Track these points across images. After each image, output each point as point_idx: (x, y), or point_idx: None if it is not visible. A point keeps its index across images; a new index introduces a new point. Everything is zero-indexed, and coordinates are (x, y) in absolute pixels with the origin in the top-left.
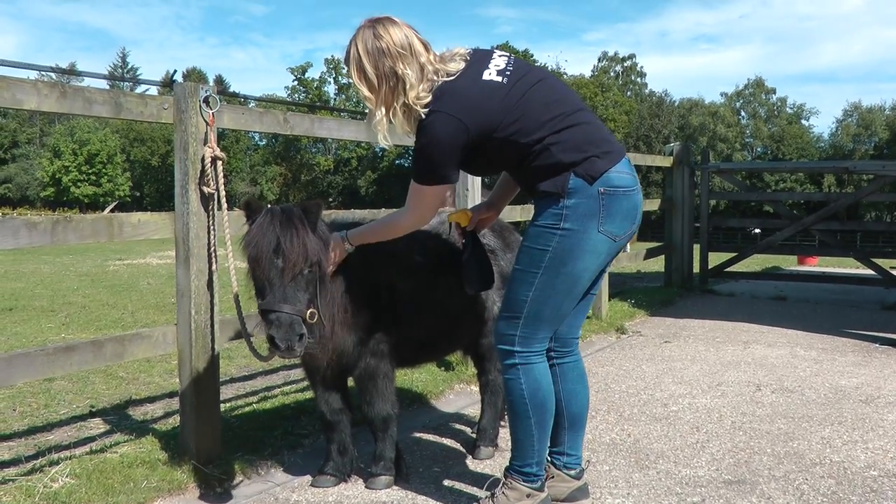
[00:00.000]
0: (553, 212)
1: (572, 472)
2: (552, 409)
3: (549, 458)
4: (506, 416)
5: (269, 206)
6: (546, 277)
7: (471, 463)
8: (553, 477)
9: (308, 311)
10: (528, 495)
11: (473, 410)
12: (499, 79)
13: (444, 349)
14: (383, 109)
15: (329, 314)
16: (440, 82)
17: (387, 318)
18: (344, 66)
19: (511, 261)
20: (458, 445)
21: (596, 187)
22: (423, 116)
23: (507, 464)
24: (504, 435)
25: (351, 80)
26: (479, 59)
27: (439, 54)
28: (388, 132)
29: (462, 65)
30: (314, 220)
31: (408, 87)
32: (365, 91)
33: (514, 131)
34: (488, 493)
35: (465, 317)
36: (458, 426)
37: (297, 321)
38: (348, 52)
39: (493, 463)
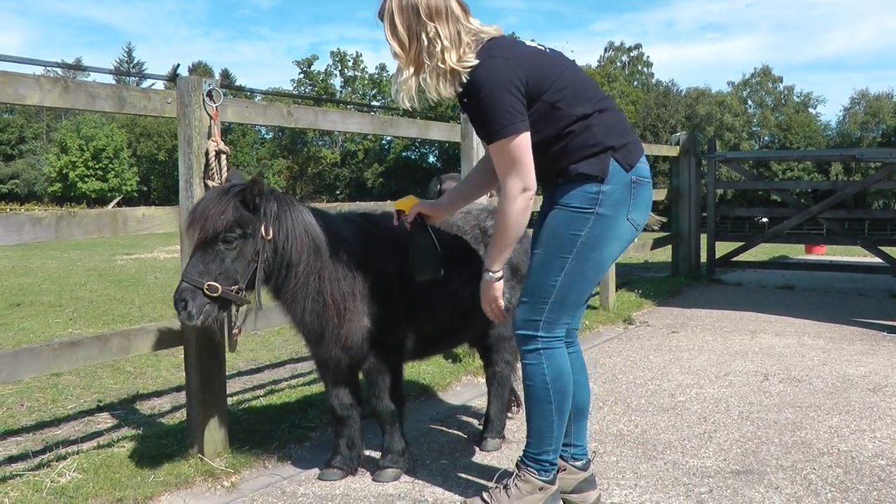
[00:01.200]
0: (589, 195)
1: (579, 464)
2: (571, 396)
3: None
4: (512, 408)
5: (234, 180)
6: (575, 263)
7: (478, 455)
8: (564, 469)
9: (206, 284)
10: (541, 488)
11: (480, 402)
12: (540, 47)
13: (455, 341)
14: (412, 69)
15: (338, 304)
16: (486, 40)
17: (398, 310)
18: (378, 20)
19: (519, 252)
20: (465, 437)
21: (630, 175)
22: (473, 70)
23: (520, 455)
24: (510, 426)
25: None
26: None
27: (479, 24)
28: (416, 94)
29: (500, 32)
30: (251, 194)
31: (441, 48)
32: (396, 47)
33: (562, 98)
34: (499, 484)
35: (476, 308)
36: (465, 418)
37: (188, 289)
38: (382, 6)
39: (500, 454)
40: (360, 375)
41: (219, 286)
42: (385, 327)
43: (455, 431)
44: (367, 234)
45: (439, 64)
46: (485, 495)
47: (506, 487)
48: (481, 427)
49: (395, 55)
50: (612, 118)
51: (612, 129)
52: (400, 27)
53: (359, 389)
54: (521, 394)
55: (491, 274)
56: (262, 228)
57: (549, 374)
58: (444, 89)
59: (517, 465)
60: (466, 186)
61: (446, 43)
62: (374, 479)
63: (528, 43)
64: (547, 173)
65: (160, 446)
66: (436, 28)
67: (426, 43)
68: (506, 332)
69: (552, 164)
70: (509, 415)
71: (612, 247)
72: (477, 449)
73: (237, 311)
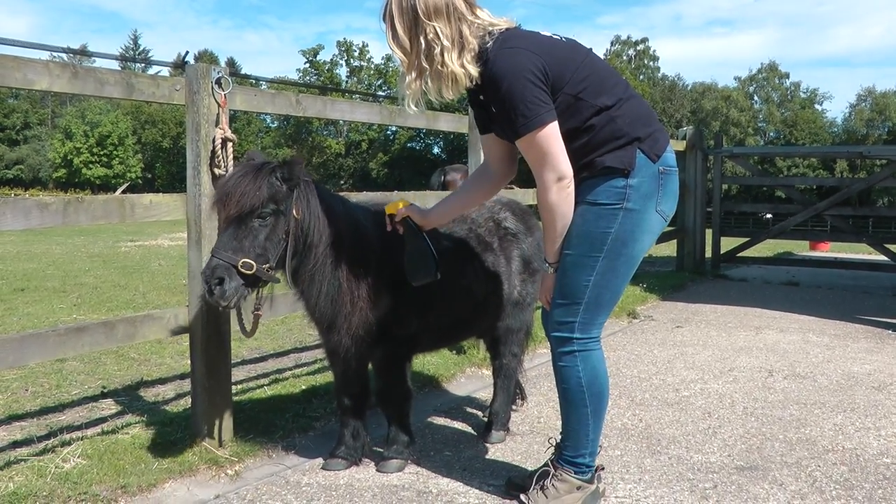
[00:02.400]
0: (616, 190)
1: None
2: (608, 398)
3: None
4: (517, 402)
5: (256, 159)
6: (608, 261)
7: (482, 447)
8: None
9: (241, 261)
10: (579, 487)
11: (485, 394)
12: (557, 37)
13: (466, 334)
14: (415, 73)
15: (352, 289)
16: (498, 33)
17: (411, 303)
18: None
19: (533, 245)
20: (469, 429)
21: (658, 166)
22: (491, 65)
23: (553, 454)
24: (515, 419)
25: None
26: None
27: (488, 14)
28: (421, 97)
29: (513, 25)
30: (288, 172)
31: (441, 50)
32: (398, 52)
33: (584, 88)
34: (538, 485)
35: (488, 303)
36: (469, 410)
37: (222, 266)
38: (383, 9)
39: (504, 447)
40: (370, 366)
41: (253, 263)
42: (397, 319)
43: (459, 423)
44: (384, 224)
45: (439, 67)
46: (522, 497)
47: (543, 488)
48: (486, 419)
49: (399, 59)
50: (636, 107)
51: (637, 118)
52: (400, 31)
53: (367, 381)
54: (526, 388)
55: (547, 265)
56: (294, 207)
57: (585, 376)
58: (447, 92)
59: (553, 465)
60: (461, 197)
61: (446, 43)
62: (378, 470)
63: (542, 33)
64: (573, 168)
65: (164, 433)
66: (436, 29)
67: (425, 45)
68: (514, 324)
69: (577, 158)
70: (514, 408)
71: (644, 241)
72: (481, 441)
73: (259, 291)
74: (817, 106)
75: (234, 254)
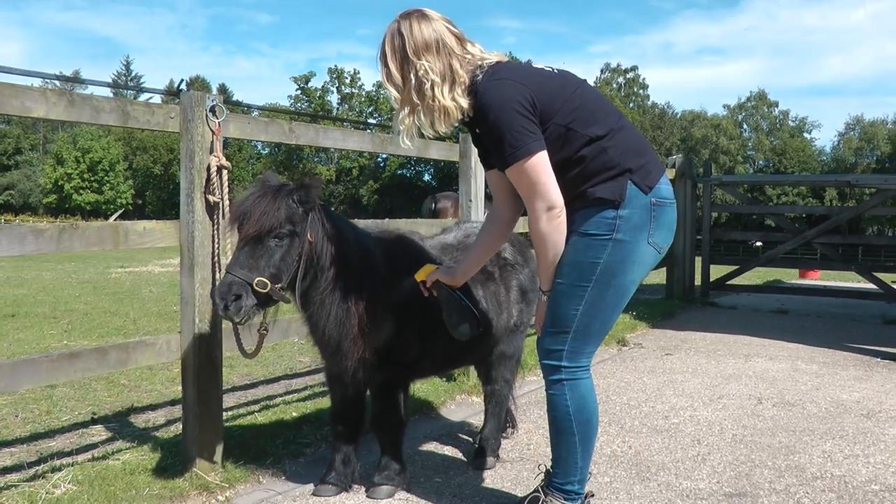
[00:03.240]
0: (606, 221)
1: None
2: (597, 426)
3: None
4: (508, 429)
5: (271, 181)
6: (596, 291)
7: (472, 474)
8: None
9: (257, 279)
10: None
11: (476, 420)
12: (549, 69)
13: (465, 362)
14: (407, 109)
15: (360, 314)
16: (488, 66)
17: (413, 329)
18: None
19: (529, 275)
20: (459, 456)
21: (649, 198)
22: (480, 97)
23: (543, 481)
24: (505, 446)
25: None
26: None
27: (479, 48)
28: (414, 131)
29: (505, 58)
30: (305, 195)
31: (431, 85)
32: (391, 90)
33: (574, 119)
34: None
35: (488, 330)
36: (459, 437)
37: (238, 283)
38: (379, 50)
39: (493, 474)
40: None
41: (268, 283)
42: (399, 346)
43: (449, 450)
44: (392, 252)
45: (430, 101)
46: None
47: None
48: (476, 446)
49: (393, 97)
50: (629, 137)
51: (629, 149)
52: (393, 69)
53: (364, 408)
54: (516, 415)
55: (541, 293)
56: (309, 230)
57: (573, 405)
58: (439, 125)
59: (543, 491)
60: (479, 248)
61: (436, 79)
62: (368, 496)
63: (535, 66)
64: (565, 198)
65: (155, 459)
66: (426, 66)
67: (415, 81)
68: (508, 350)
69: (570, 189)
70: (504, 435)
71: (634, 272)
72: (472, 468)
73: (266, 311)
74: (806, 134)
75: (251, 272)
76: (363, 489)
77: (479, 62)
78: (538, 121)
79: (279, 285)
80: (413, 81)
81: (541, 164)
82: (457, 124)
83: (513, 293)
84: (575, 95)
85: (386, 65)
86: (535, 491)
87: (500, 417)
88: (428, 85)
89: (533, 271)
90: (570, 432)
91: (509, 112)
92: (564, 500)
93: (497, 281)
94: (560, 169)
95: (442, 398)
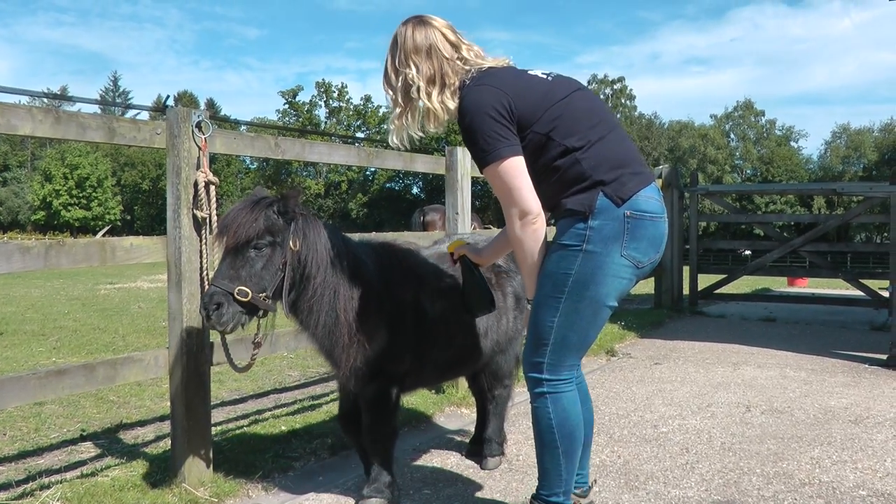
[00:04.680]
0: (576, 232)
1: (578, 491)
2: (580, 439)
3: None
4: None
5: (260, 194)
6: (570, 302)
7: (461, 485)
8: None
9: (237, 289)
10: None
11: (465, 432)
12: (542, 75)
13: (461, 372)
14: (399, 109)
15: (350, 322)
16: (479, 70)
17: (407, 340)
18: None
19: (521, 283)
20: (448, 467)
21: (623, 210)
22: (461, 100)
23: (533, 492)
24: (515, 451)
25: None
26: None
27: (477, 53)
28: (405, 132)
29: (505, 63)
30: (283, 206)
31: (418, 87)
32: (387, 89)
33: (553, 127)
34: None
35: (487, 336)
36: (448, 449)
37: (219, 293)
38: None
39: (483, 485)
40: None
41: (249, 291)
42: (391, 355)
43: (438, 462)
44: (386, 263)
45: (417, 103)
46: None
47: None
48: (465, 458)
49: (389, 98)
50: (608, 149)
51: (605, 161)
52: (389, 70)
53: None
54: (504, 426)
55: (526, 301)
56: (291, 239)
57: (555, 418)
58: (429, 125)
59: (531, 501)
60: (503, 237)
61: (421, 82)
62: None
63: (530, 72)
64: (545, 206)
65: (144, 475)
66: (416, 67)
67: (404, 82)
68: (505, 357)
69: (548, 198)
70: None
71: (607, 285)
72: (460, 480)
73: (259, 323)
74: (793, 143)
75: (231, 282)
76: (352, 500)
77: (473, 67)
78: (515, 128)
79: (262, 294)
80: (403, 83)
81: (513, 170)
82: (446, 125)
83: (509, 300)
84: (561, 104)
85: (384, 67)
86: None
87: (503, 416)
88: (414, 88)
89: None
90: (553, 445)
91: (482, 117)
92: None
93: (494, 287)
94: (539, 177)
95: (431, 410)
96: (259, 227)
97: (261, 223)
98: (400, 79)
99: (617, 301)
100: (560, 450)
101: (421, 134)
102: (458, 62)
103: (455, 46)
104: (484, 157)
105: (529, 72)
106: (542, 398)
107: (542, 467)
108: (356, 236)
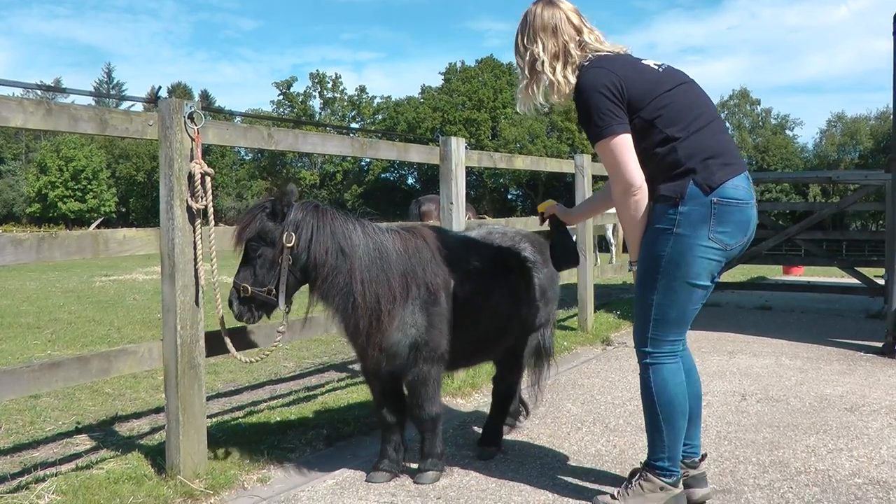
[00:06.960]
0: (669, 216)
1: (688, 461)
2: (681, 408)
3: None
4: (520, 417)
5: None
6: (665, 281)
7: (458, 475)
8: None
9: (241, 286)
10: (662, 488)
11: (460, 422)
12: (654, 66)
13: (492, 353)
14: (524, 81)
15: (371, 305)
16: (596, 54)
17: (443, 322)
18: None
19: (549, 275)
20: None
21: (711, 197)
22: (578, 79)
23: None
24: (507, 439)
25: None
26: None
27: (598, 37)
28: (531, 101)
29: (622, 50)
30: (272, 207)
31: (542, 61)
32: (518, 60)
33: (658, 115)
34: (628, 483)
35: (511, 324)
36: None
37: (232, 290)
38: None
39: (489, 468)
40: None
41: (248, 287)
42: (430, 340)
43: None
44: (415, 246)
45: (542, 76)
46: (614, 492)
47: (629, 486)
48: (463, 445)
49: (518, 67)
50: (704, 140)
51: (699, 151)
52: (519, 44)
53: (403, 397)
54: (528, 403)
55: (630, 264)
56: (284, 236)
57: (655, 387)
58: (552, 97)
59: (643, 466)
60: (600, 199)
61: (546, 57)
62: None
63: (643, 61)
64: (649, 191)
65: (139, 468)
66: (542, 43)
67: (533, 56)
68: (524, 346)
69: (650, 182)
70: (518, 423)
71: (697, 265)
72: (454, 470)
73: (285, 312)
74: (788, 132)
75: (239, 280)
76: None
77: (594, 49)
78: (625, 109)
79: (264, 289)
80: (531, 56)
81: (622, 145)
82: (566, 100)
83: (533, 291)
84: (668, 95)
85: (515, 38)
86: (639, 466)
87: (506, 411)
88: (539, 62)
89: (552, 273)
90: (655, 412)
91: (597, 95)
92: (659, 474)
93: (518, 277)
94: (642, 161)
95: None
96: (251, 231)
97: (255, 225)
98: (528, 53)
99: (710, 280)
100: (660, 416)
101: (546, 106)
102: (580, 43)
103: (577, 29)
104: (598, 133)
105: (643, 61)
106: (645, 368)
107: (649, 435)
108: (384, 225)
